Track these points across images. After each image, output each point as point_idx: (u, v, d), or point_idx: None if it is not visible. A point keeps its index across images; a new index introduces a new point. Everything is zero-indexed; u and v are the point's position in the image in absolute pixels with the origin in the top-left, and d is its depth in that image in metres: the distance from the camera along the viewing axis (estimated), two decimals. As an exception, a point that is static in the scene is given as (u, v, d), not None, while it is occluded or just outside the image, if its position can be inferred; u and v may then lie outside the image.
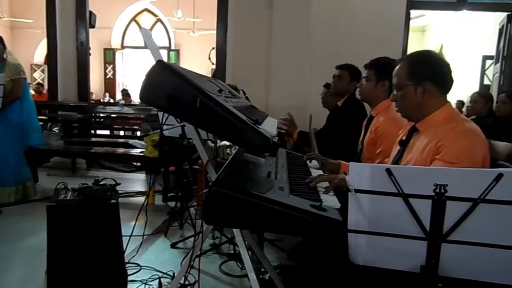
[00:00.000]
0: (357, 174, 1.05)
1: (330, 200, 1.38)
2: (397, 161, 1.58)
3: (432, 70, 1.46)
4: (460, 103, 8.21)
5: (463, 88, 8.44)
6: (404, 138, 1.60)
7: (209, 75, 4.22)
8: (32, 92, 9.45)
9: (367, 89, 2.22)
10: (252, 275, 1.57)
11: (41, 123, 4.42)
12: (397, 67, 1.54)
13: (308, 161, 2.03)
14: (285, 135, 2.94)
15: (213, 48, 4.98)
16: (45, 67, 11.23)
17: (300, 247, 1.85)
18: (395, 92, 1.55)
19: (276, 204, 1.18)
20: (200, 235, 1.64)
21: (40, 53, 13.06)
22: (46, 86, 9.03)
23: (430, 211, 1.00)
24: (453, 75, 1.50)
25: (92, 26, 5.47)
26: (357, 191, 1.05)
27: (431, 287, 1.04)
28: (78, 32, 5.26)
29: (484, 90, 6.15)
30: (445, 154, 1.33)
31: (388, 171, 1.00)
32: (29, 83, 10.17)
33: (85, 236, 2.09)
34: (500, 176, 0.93)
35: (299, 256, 2.42)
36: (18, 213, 3.48)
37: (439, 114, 1.46)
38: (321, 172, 1.87)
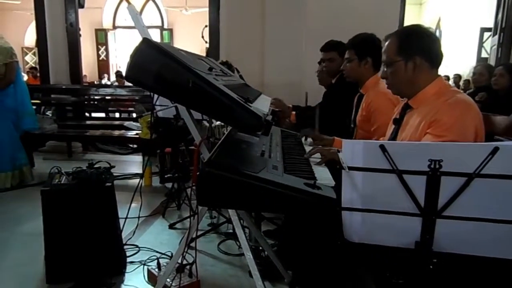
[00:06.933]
0: (350, 151, 1.03)
1: (325, 178, 1.36)
2: (392, 140, 1.57)
3: (421, 44, 1.44)
4: (458, 77, 8.14)
5: (460, 62, 8.36)
6: (398, 116, 1.58)
7: (204, 53, 4.13)
8: (25, 76, 9.34)
9: (352, 70, 2.18)
10: (249, 254, 1.57)
11: (34, 107, 4.36)
12: (385, 44, 1.51)
13: (303, 139, 2.01)
14: (281, 114, 2.90)
15: (206, 26, 4.86)
16: (37, 50, 11.05)
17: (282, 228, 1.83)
18: (384, 69, 1.52)
19: (269, 184, 1.16)
20: (196, 216, 1.63)
21: (30, 36, 12.82)
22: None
23: (425, 187, 0.99)
24: (442, 49, 1.47)
25: (82, 6, 5.34)
26: (350, 168, 1.03)
27: (426, 263, 1.03)
28: (67, 13, 5.13)
29: (485, 63, 6.04)
30: (435, 127, 1.32)
31: (382, 147, 0.98)
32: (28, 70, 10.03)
33: (81, 219, 2.09)
34: (495, 150, 0.91)
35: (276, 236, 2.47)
36: (15, 198, 3.48)
37: (431, 89, 1.44)
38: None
